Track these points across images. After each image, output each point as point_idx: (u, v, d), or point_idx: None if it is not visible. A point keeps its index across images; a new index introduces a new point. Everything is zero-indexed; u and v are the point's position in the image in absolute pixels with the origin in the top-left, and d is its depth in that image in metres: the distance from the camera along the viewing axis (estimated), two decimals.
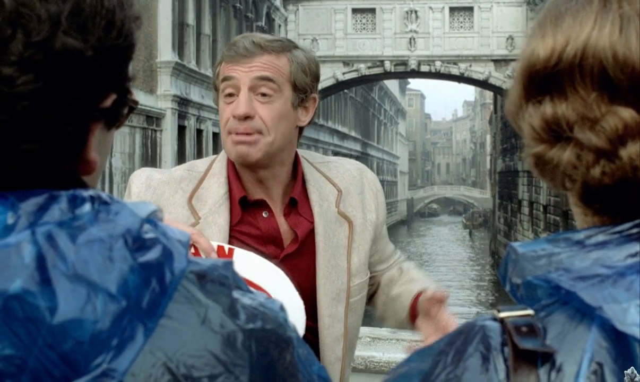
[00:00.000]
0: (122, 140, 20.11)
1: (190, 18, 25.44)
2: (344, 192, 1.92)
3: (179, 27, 24.58)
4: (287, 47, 1.83)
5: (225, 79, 1.79)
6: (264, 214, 1.84)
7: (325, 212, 1.87)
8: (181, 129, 24.23)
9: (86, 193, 0.71)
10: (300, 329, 1.62)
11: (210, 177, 1.86)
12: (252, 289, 0.78)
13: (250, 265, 1.63)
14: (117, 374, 0.65)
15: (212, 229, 1.79)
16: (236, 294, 0.74)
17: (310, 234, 1.85)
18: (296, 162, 1.91)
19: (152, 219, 0.73)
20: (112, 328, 0.65)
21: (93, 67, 0.70)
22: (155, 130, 22.60)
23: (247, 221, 1.83)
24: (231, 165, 1.87)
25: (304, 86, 1.83)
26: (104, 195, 0.73)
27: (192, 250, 1.64)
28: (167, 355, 0.67)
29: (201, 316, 0.70)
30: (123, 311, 0.66)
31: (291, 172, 1.90)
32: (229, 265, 0.77)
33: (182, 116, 24.27)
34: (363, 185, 1.97)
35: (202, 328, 0.69)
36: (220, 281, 0.74)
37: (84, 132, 0.72)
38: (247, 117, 1.76)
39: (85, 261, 0.66)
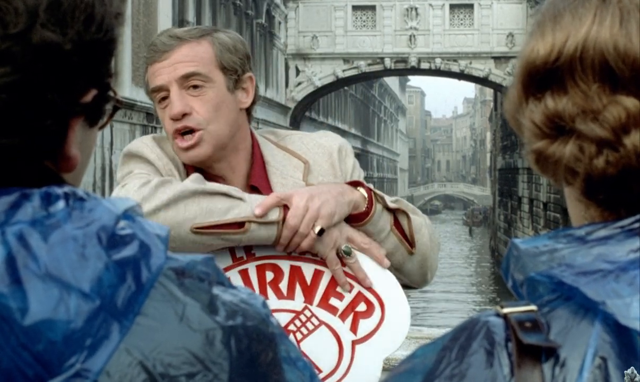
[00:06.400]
0: (123, 137, 20.09)
1: (190, 15, 25.43)
2: (311, 162, 1.82)
3: (179, 24, 24.56)
4: (207, 31, 1.79)
5: (154, 90, 1.77)
6: None
7: (291, 189, 1.75)
8: None
9: (60, 190, 0.69)
10: (402, 336, 1.66)
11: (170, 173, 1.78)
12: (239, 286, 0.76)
13: (365, 268, 1.66)
14: (91, 374, 0.63)
15: None
16: (216, 290, 0.72)
17: None
18: (253, 146, 1.84)
19: (130, 214, 0.71)
20: (86, 328, 0.64)
21: (72, 61, 0.69)
22: (155, 128, 22.58)
23: None
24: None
25: (233, 66, 1.77)
26: (80, 191, 0.71)
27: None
28: (144, 353, 0.66)
29: (179, 313, 0.68)
30: (97, 310, 0.65)
31: (250, 157, 1.82)
32: (209, 261, 0.75)
33: None
34: (332, 152, 1.86)
35: (179, 326, 0.68)
36: (200, 277, 0.72)
37: (64, 128, 0.71)
38: (184, 115, 1.72)
39: (58, 260, 0.65)
